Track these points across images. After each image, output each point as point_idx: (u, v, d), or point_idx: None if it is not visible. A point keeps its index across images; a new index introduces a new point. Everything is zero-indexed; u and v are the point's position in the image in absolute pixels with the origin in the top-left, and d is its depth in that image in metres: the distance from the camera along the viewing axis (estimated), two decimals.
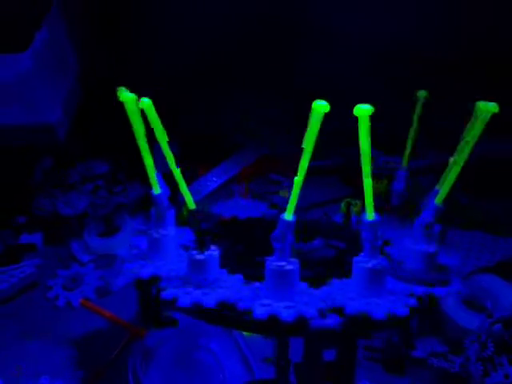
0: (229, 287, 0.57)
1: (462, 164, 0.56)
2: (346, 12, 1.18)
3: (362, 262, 0.54)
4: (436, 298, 0.57)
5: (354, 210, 0.94)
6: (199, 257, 0.56)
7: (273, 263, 0.54)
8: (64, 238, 1.11)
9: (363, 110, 0.50)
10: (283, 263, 0.53)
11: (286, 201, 1.15)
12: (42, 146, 1.04)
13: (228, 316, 0.54)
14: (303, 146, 0.51)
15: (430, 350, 0.80)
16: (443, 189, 0.57)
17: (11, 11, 0.97)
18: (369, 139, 0.52)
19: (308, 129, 0.51)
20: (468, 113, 0.56)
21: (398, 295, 0.56)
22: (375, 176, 1.01)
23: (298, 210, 1.18)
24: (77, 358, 0.87)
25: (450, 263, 0.64)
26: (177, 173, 0.56)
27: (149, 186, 0.62)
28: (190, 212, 0.57)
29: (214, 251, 0.57)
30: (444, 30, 1.17)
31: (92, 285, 1.00)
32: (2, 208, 1.16)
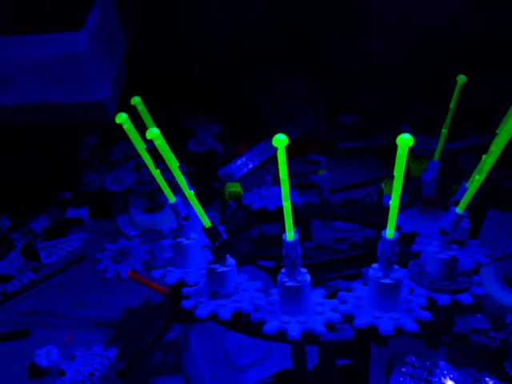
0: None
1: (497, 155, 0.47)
2: None
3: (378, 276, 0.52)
4: (457, 304, 0.56)
5: (386, 189, 0.96)
6: (220, 269, 0.56)
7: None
8: (110, 213, 1.15)
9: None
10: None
11: (323, 180, 1.15)
12: (91, 124, 1.06)
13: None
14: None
15: (470, 327, 0.82)
16: (467, 195, 0.47)
17: None
18: None
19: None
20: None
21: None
22: (416, 157, 1.02)
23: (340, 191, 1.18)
24: (128, 328, 0.90)
25: (480, 261, 0.63)
26: (190, 195, 0.56)
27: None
28: (207, 229, 0.57)
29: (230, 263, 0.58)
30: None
31: (139, 258, 1.04)
32: (49, 183, 1.20)
